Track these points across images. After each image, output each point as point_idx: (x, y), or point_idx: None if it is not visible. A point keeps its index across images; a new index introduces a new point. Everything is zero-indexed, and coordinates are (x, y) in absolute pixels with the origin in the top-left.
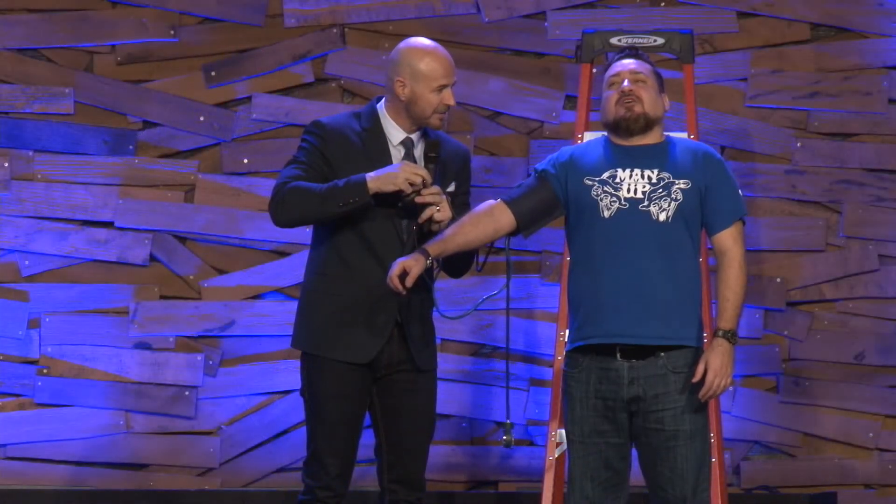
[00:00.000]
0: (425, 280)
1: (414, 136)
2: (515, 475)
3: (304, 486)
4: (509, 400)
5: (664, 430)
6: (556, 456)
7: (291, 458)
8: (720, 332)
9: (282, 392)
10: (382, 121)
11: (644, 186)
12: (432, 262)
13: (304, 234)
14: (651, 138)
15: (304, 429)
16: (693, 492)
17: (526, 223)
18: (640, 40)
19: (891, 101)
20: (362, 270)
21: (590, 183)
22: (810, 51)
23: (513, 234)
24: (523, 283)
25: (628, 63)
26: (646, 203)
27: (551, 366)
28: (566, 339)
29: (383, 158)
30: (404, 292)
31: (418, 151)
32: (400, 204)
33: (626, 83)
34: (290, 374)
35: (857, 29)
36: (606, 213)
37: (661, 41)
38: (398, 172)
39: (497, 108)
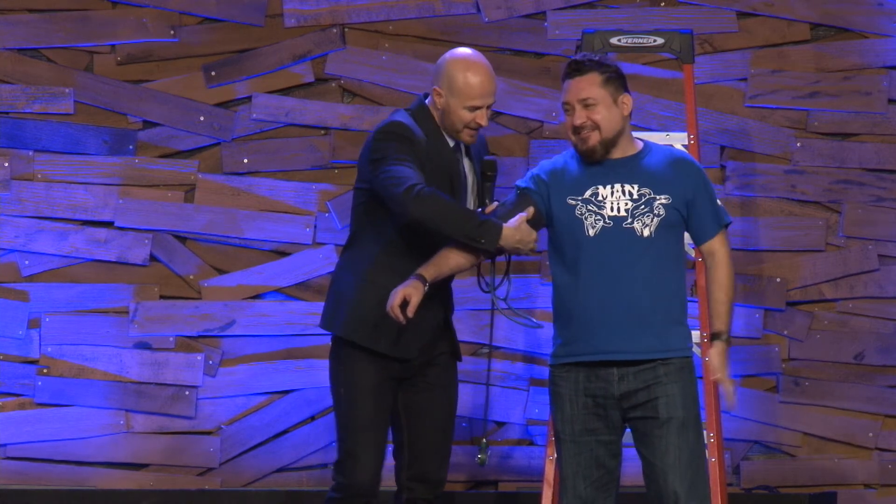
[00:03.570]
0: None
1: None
2: (515, 475)
3: (335, 483)
4: (489, 404)
5: (657, 417)
6: (556, 456)
7: (291, 458)
8: (719, 336)
9: (282, 392)
10: (438, 123)
11: (626, 203)
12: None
13: (305, 234)
14: (622, 150)
15: (304, 429)
16: (689, 487)
17: None
18: (640, 40)
19: (891, 101)
20: (416, 266)
21: (573, 202)
22: (810, 51)
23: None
24: (523, 283)
25: (575, 86)
26: (629, 220)
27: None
28: (551, 352)
29: (452, 163)
30: (405, 322)
31: (466, 163)
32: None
33: (576, 118)
34: (290, 374)
35: (857, 29)
36: (591, 232)
37: (661, 41)
38: (528, 243)
39: (497, 107)
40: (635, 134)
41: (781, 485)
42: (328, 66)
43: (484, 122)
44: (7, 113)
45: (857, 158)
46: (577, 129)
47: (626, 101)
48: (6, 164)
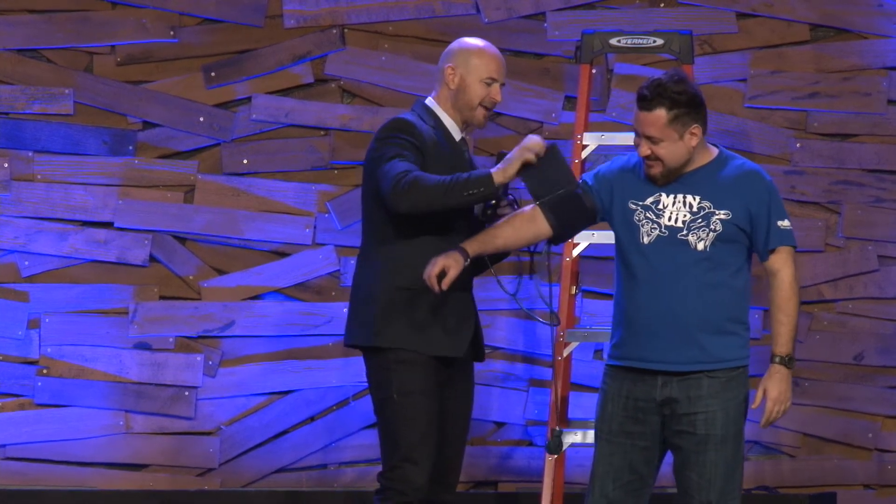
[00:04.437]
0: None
1: (466, 138)
2: (515, 475)
3: (388, 493)
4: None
5: (695, 433)
6: (556, 456)
7: (291, 458)
8: (777, 359)
9: (281, 392)
10: (441, 118)
11: (685, 216)
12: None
13: (304, 234)
14: (693, 163)
15: (303, 429)
16: (719, 497)
17: (563, 231)
18: (640, 41)
19: (890, 101)
20: None
21: (633, 207)
22: (810, 51)
23: (551, 241)
24: (524, 284)
25: (642, 119)
26: (685, 232)
27: (551, 366)
28: (606, 351)
29: (458, 155)
30: (439, 291)
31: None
32: (480, 214)
33: (642, 149)
34: (289, 375)
35: (857, 29)
36: (646, 240)
37: (660, 42)
38: (522, 150)
39: (497, 108)
40: None
41: (781, 485)
42: (328, 66)
43: (499, 97)
44: (7, 113)
45: (857, 159)
46: (643, 158)
47: (696, 131)
48: (6, 165)
